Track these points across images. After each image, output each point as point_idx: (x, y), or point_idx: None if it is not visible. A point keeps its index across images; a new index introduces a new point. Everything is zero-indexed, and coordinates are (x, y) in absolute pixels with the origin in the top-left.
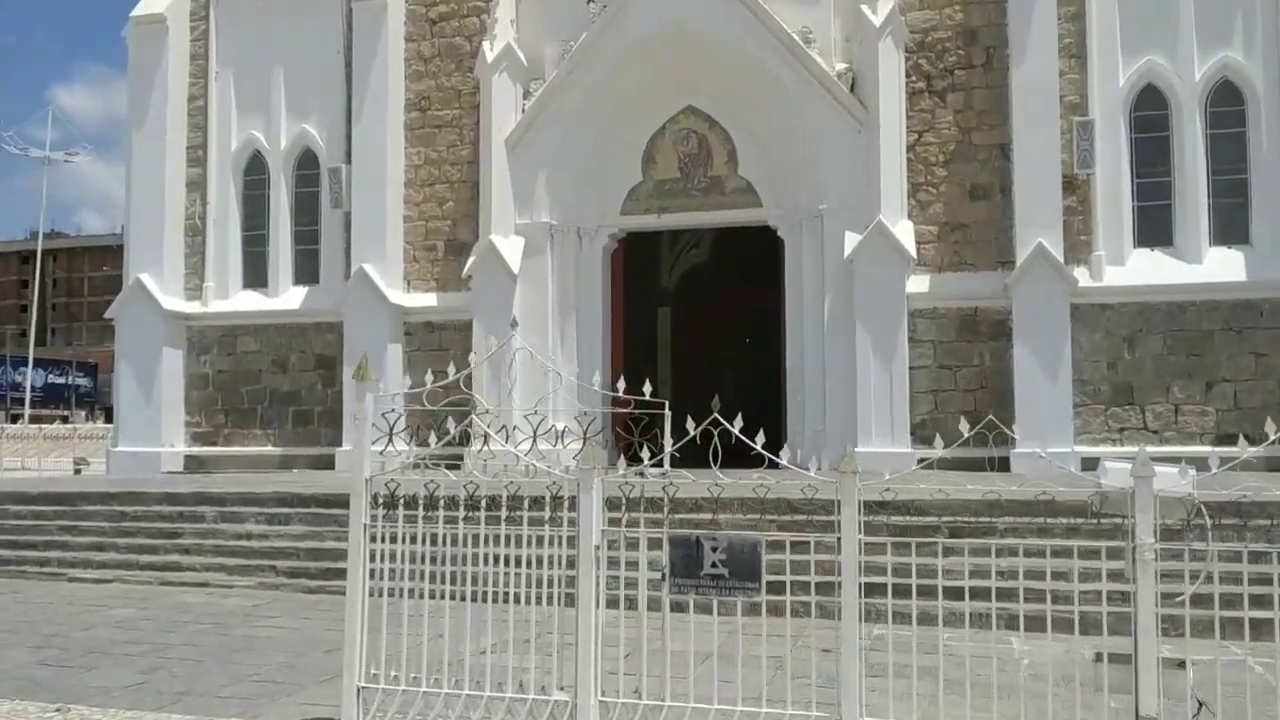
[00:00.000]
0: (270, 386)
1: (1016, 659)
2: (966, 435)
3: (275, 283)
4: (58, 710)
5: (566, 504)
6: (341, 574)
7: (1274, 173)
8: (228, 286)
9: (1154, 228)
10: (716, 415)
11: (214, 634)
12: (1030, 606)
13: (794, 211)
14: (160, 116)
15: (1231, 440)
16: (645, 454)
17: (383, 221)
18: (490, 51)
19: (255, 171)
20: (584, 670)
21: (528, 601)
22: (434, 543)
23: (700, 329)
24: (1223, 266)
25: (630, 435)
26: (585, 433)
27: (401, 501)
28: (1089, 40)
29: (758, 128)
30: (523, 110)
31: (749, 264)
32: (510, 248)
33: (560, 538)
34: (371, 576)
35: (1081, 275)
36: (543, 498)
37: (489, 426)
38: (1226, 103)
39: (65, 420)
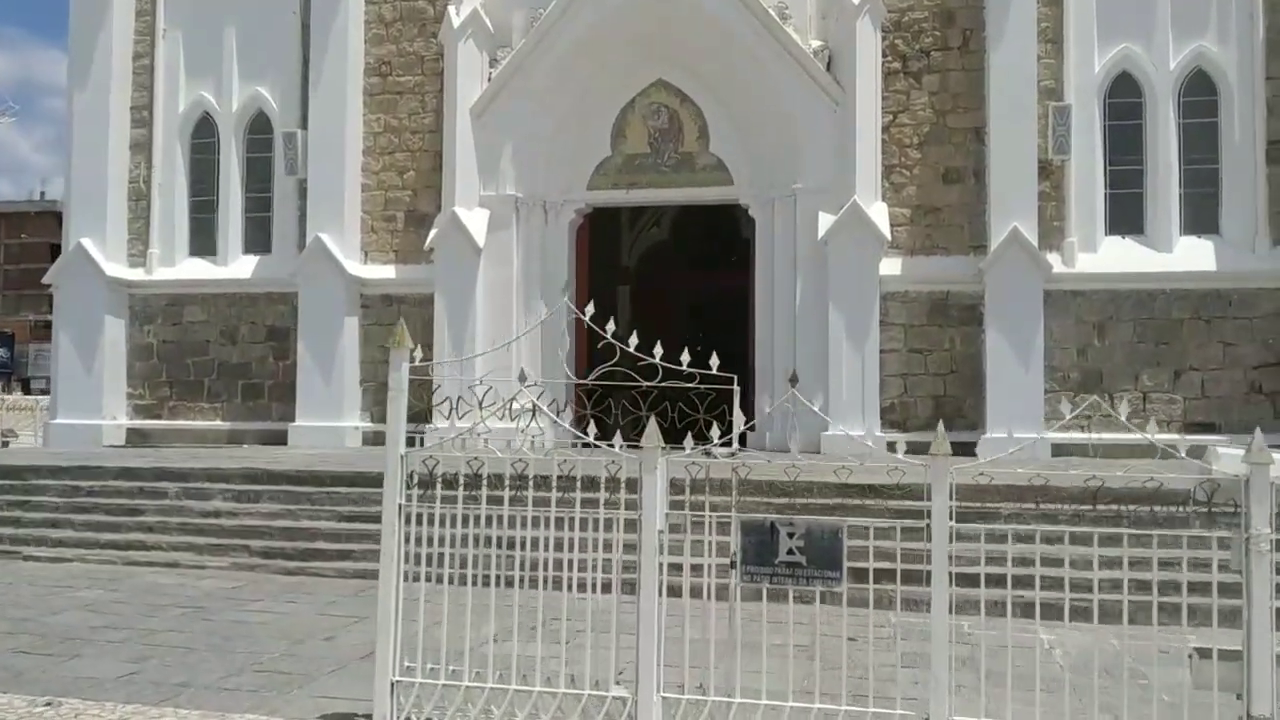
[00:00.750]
0: (218, 358)
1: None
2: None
3: (224, 251)
4: (48, 704)
5: (624, 485)
6: (320, 555)
7: (1244, 164)
8: (173, 254)
9: (1125, 216)
10: (795, 393)
11: (198, 619)
12: (1108, 597)
13: (766, 191)
14: (104, 75)
15: (1199, 429)
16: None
17: (340, 190)
18: (456, 17)
19: (204, 135)
20: (645, 663)
21: (581, 589)
22: (475, 525)
23: (660, 308)
24: (1192, 256)
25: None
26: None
27: (439, 480)
28: (1066, 25)
29: (731, 104)
30: (489, 79)
31: (710, 244)
32: (475, 220)
33: (617, 520)
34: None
35: (1054, 261)
36: (598, 477)
37: (523, 401)
38: (1200, 92)
39: None
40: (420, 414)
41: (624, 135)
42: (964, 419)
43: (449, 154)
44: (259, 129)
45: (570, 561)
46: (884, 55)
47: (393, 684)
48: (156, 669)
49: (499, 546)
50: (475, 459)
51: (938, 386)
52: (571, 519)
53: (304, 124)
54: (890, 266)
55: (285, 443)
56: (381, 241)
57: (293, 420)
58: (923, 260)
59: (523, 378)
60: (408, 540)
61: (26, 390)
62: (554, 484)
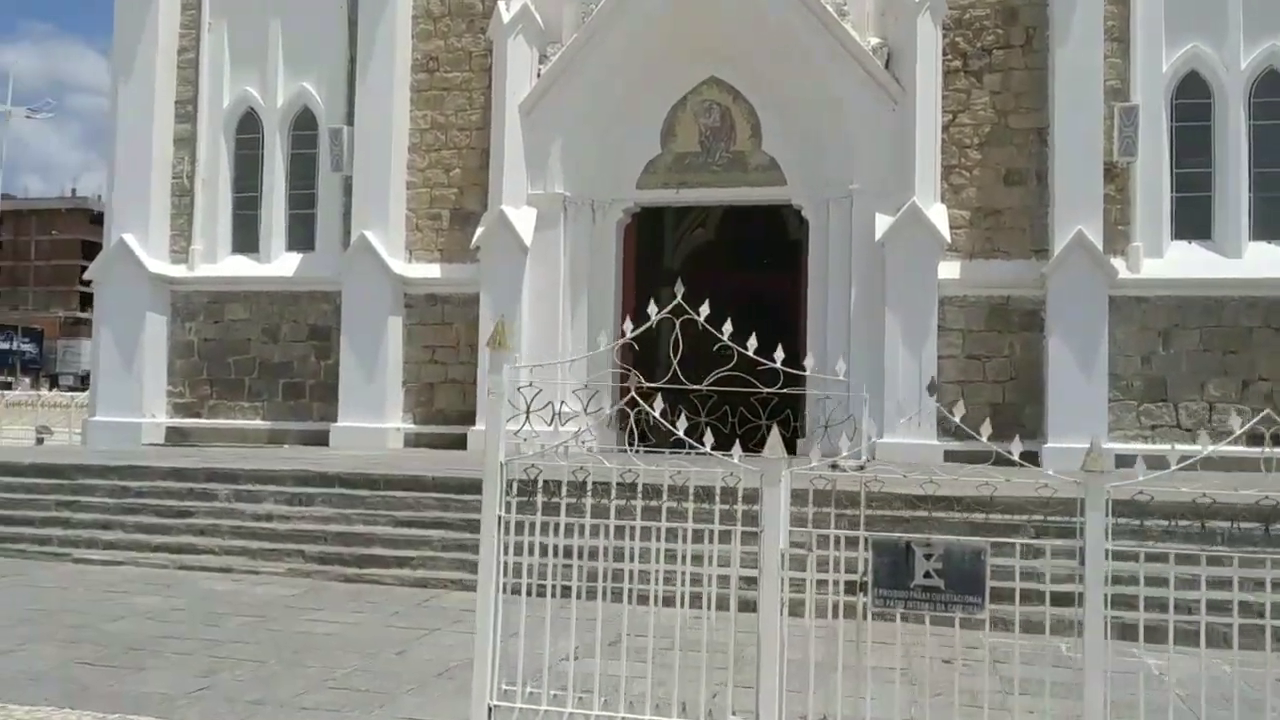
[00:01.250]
0: (259, 357)
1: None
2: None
3: (267, 248)
4: None
5: (740, 497)
6: (378, 561)
7: None
8: (216, 250)
9: (1192, 220)
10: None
11: (262, 629)
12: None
13: (821, 191)
14: (148, 68)
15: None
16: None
17: (386, 187)
18: (506, 12)
19: (248, 130)
20: (766, 692)
21: (694, 605)
22: (578, 536)
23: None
24: (1262, 262)
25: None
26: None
27: (541, 489)
28: (1133, 24)
29: (785, 102)
30: (538, 75)
31: (756, 245)
32: (522, 219)
33: (735, 534)
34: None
35: (1119, 266)
36: (712, 488)
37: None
38: (1272, 93)
39: (8, 387)
40: (466, 415)
41: (674, 133)
42: (1023, 428)
43: (497, 151)
44: (304, 125)
45: (682, 576)
46: (944, 53)
47: (490, 708)
48: (228, 684)
49: (605, 558)
50: (580, 468)
51: (996, 394)
52: (683, 532)
53: (350, 120)
54: (948, 270)
55: (326, 443)
56: (426, 240)
57: (334, 420)
58: (982, 264)
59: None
60: (505, 551)
61: (54, 386)
62: (665, 494)
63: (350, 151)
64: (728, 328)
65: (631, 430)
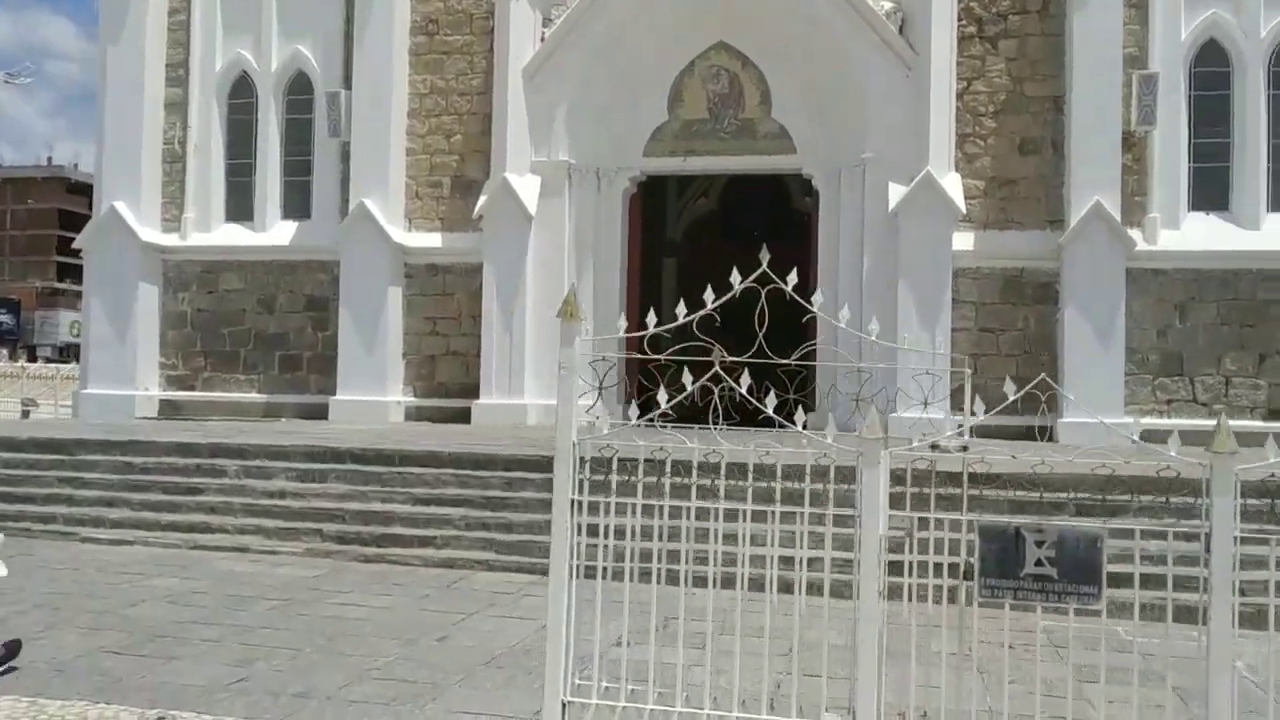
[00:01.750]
0: (255, 328)
1: None
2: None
3: (262, 216)
4: (160, 718)
5: (832, 478)
6: (399, 541)
7: None
8: (209, 219)
9: (1210, 191)
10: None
11: (291, 613)
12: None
13: (832, 160)
14: (138, 31)
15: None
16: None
17: (385, 154)
18: None
19: (242, 95)
20: (865, 687)
21: (783, 591)
22: (657, 517)
23: (707, 282)
24: None
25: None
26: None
27: (615, 468)
28: None
29: (795, 68)
30: (542, 38)
31: (761, 217)
32: (526, 187)
33: (825, 517)
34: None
35: (1135, 238)
36: (801, 467)
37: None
38: None
39: None
40: (468, 388)
41: (681, 100)
42: (1038, 402)
43: (499, 117)
44: (299, 89)
45: (770, 560)
46: (959, 19)
47: (564, 704)
48: (267, 674)
49: (686, 540)
50: (660, 447)
51: (1009, 367)
52: (772, 514)
53: (347, 84)
54: (962, 241)
55: (325, 417)
56: (426, 208)
57: (333, 394)
58: (996, 235)
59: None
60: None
61: (33, 358)
62: (750, 474)
63: (348, 116)
64: (818, 298)
65: (716, 407)
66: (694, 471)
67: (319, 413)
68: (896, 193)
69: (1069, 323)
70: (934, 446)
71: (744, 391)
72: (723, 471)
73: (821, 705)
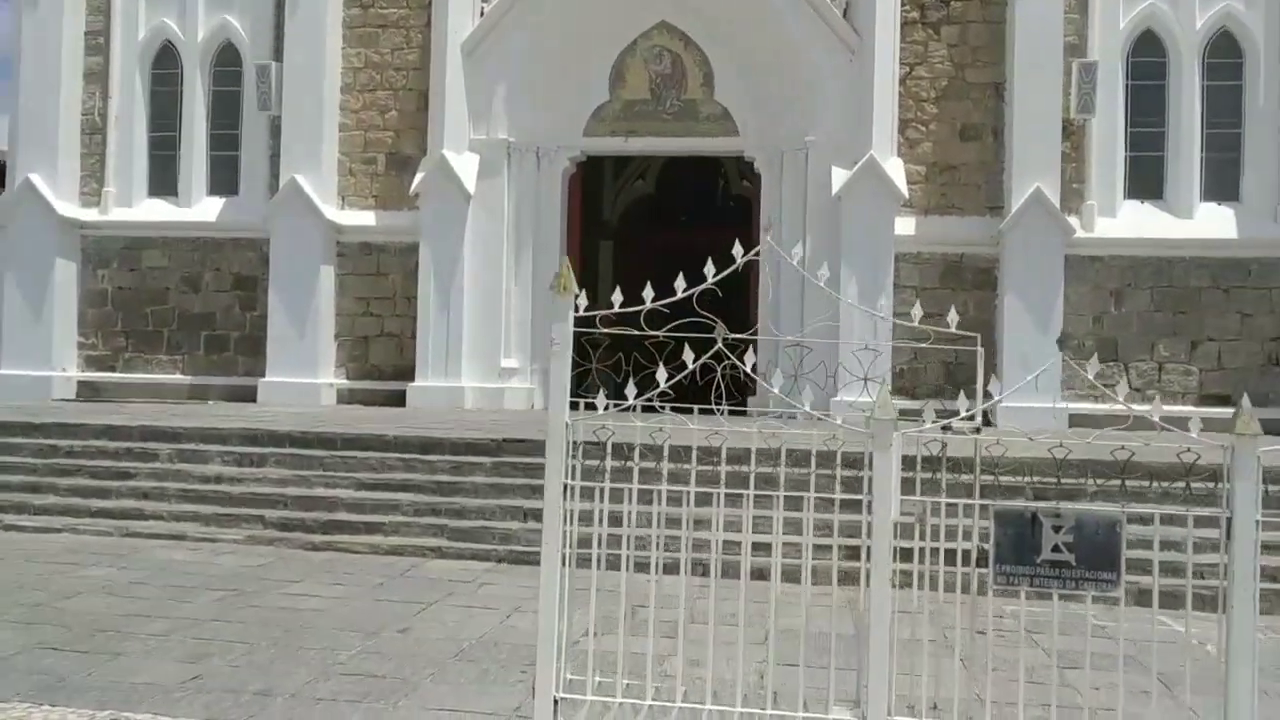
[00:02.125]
0: (179, 307)
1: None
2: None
3: (187, 191)
4: None
5: (838, 462)
6: (346, 528)
7: (1268, 129)
8: (131, 193)
9: (1145, 180)
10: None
11: (240, 605)
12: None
13: (774, 143)
14: None
15: (1214, 401)
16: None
17: (318, 129)
18: None
19: (166, 65)
20: (876, 678)
21: (791, 581)
22: (643, 503)
23: (644, 266)
24: (1213, 223)
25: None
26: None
27: (609, 452)
28: None
29: (738, 50)
30: (481, 13)
31: (698, 198)
32: (465, 165)
33: (833, 503)
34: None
35: (1073, 225)
36: (807, 453)
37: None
38: (1225, 54)
39: None
40: (402, 370)
41: (623, 79)
42: (975, 386)
43: (437, 93)
44: (227, 61)
45: (772, 548)
46: (902, 4)
47: (556, 700)
48: (223, 671)
49: (686, 528)
50: (659, 429)
51: (949, 352)
52: (778, 500)
53: (277, 57)
54: (903, 226)
55: (254, 399)
56: (360, 185)
57: (262, 375)
58: (937, 220)
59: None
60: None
61: None
62: (753, 459)
63: (279, 90)
64: (823, 273)
65: (719, 388)
66: (693, 455)
67: (247, 395)
68: (839, 177)
69: (1008, 308)
70: (945, 429)
71: (749, 370)
72: (723, 456)
73: (829, 698)
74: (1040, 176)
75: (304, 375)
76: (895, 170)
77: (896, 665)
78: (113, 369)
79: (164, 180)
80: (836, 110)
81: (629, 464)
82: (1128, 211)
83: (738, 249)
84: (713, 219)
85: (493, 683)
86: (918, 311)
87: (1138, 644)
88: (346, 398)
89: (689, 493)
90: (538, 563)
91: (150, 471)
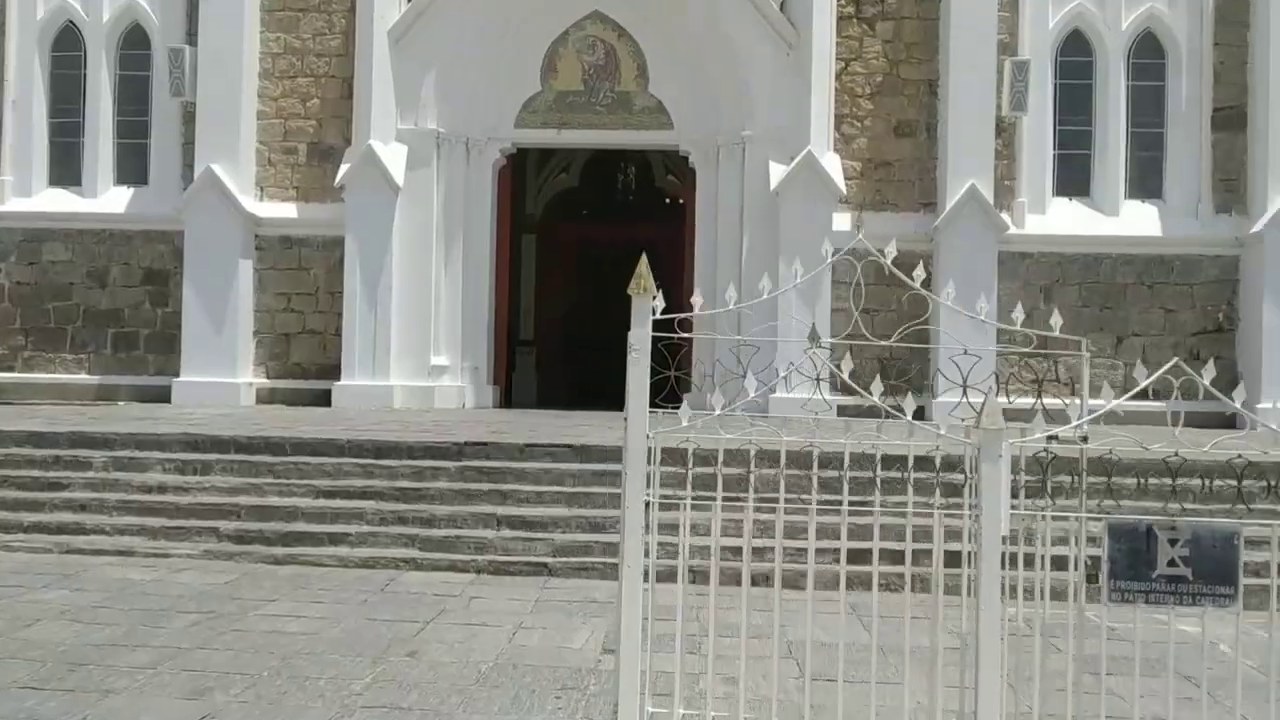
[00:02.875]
0: (84, 303)
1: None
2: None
3: (92, 181)
4: None
5: (937, 470)
6: (309, 539)
7: (1190, 129)
8: (30, 182)
9: (1073, 177)
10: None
11: (222, 629)
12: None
13: (710, 137)
14: None
15: (1139, 395)
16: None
17: (235, 116)
18: None
19: (68, 47)
20: (987, 697)
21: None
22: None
23: (568, 260)
24: (1138, 221)
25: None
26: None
27: (692, 462)
28: None
29: (673, 42)
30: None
31: (623, 193)
32: (392, 156)
33: (936, 517)
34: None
35: (1006, 221)
36: (904, 459)
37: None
38: (1149, 55)
39: None
40: (326, 369)
41: (555, 70)
42: (910, 383)
43: (363, 81)
44: (135, 43)
45: (874, 554)
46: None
47: None
48: (233, 709)
49: (775, 538)
50: (749, 440)
51: (884, 349)
52: (877, 510)
53: (190, 40)
54: (839, 222)
55: (168, 400)
56: (280, 176)
57: (176, 375)
58: (872, 216)
59: (815, 336)
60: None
61: None
62: (846, 465)
63: (193, 75)
64: (919, 273)
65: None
66: (782, 461)
67: (160, 395)
68: (777, 172)
69: (942, 304)
70: (1052, 438)
71: (845, 376)
72: (814, 463)
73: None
74: (975, 174)
75: (221, 374)
76: (833, 166)
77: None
78: (11, 368)
79: (67, 169)
80: (773, 105)
81: (685, 472)
82: (1057, 209)
83: (827, 246)
84: (636, 214)
85: (529, 711)
86: (1019, 315)
87: (1152, 646)
88: (267, 397)
89: (780, 503)
90: (520, 574)
91: (85, 482)
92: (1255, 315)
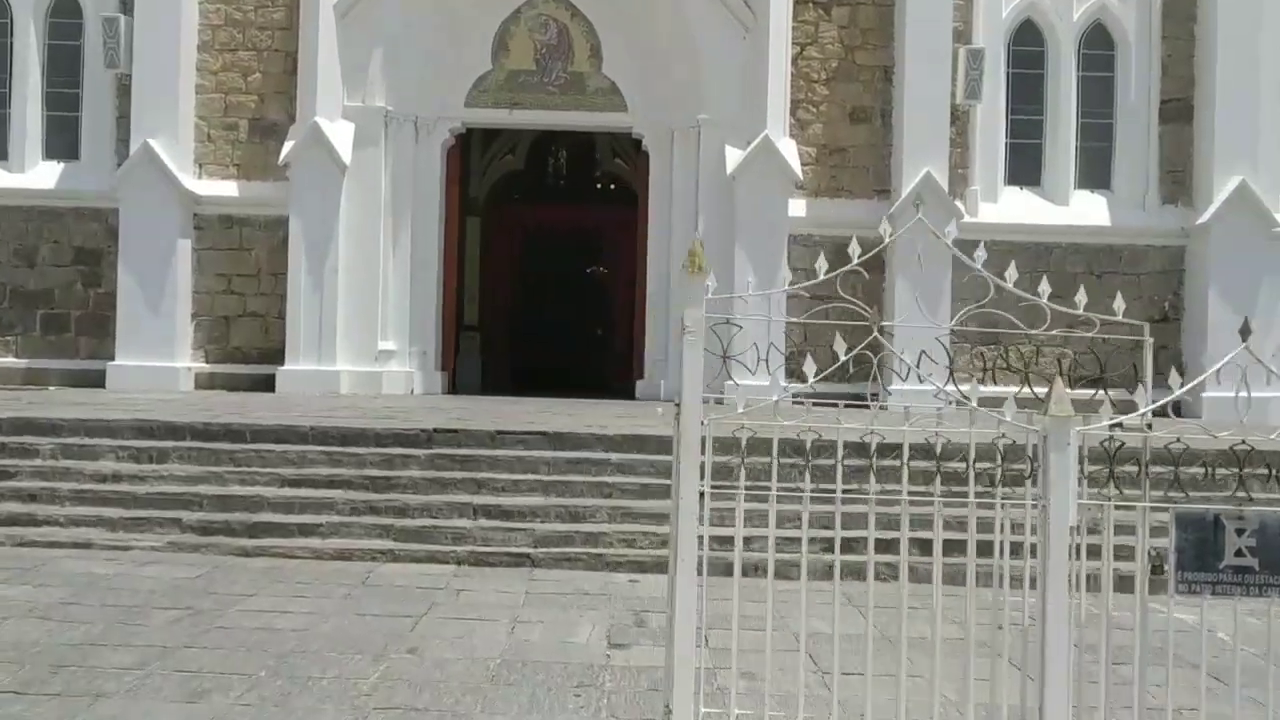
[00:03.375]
0: (11, 284)
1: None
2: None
3: (19, 155)
4: None
5: (999, 459)
6: (277, 530)
7: (1138, 121)
8: None
9: (1024, 166)
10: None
11: (207, 626)
12: None
13: (664, 120)
14: None
15: (1087, 384)
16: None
17: (173, 90)
18: None
19: None
20: (1054, 693)
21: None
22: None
23: (514, 244)
24: (1087, 210)
25: None
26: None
27: (743, 453)
28: None
29: (627, 23)
30: None
31: (569, 176)
32: (339, 134)
33: (998, 505)
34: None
35: (959, 209)
36: (963, 449)
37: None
38: (1099, 46)
39: None
40: (268, 354)
41: (506, 49)
42: (864, 371)
43: (308, 56)
44: (65, 12)
45: (936, 545)
46: None
47: None
48: (239, 714)
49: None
50: (808, 429)
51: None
52: (938, 502)
53: (124, 9)
54: (794, 208)
55: (101, 384)
56: (220, 153)
57: (110, 358)
58: (827, 203)
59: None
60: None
61: None
62: (906, 456)
63: (128, 46)
64: (979, 254)
65: (877, 379)
66: (839, 450)
67: (92, 380)
68: (733, 156)
69: (898, 292)
70: (1116, 425)
71: (905, 359)
72: (873, 451)
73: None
74: (930, 161)
75: (159, 358)
76: (789, 151)
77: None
78: None
79: None
80: (730, 89)
81: (737, 462)
82: (1008, 197)
83: (885, 226)
84: (582, 198)
85: (551, 711)
86: (1082, 298)
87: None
88: (206, 383)
89: (838, 493)
90: (503, 564)
91: (33, 470)
92: (1200, 306)
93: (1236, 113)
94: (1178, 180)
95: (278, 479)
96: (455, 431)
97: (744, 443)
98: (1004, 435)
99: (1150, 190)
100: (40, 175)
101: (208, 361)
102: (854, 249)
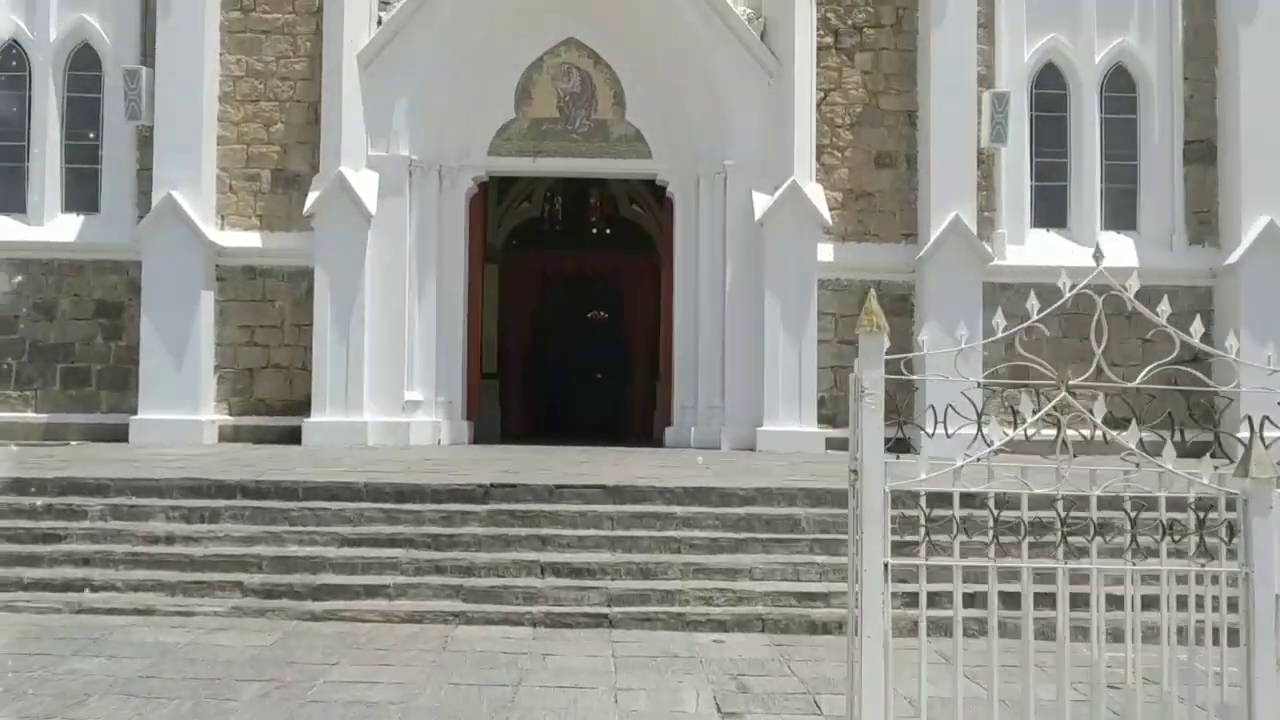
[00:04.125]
0: (30, 337)
1: None
2: None
3: (38, 208)
4: None
5: (1196, 522)
6: (342, 592)
7: (1162, 162)
8: None
9: (1049, 209)
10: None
11: (302, 701)
12: None
13: (690, 166)
14: None
15: (1118, 425)
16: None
17: (196, 141)
18: None
19: (12, 67)
20: None
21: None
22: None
23: (532, 291)
24: (1114, 252)
25: None
26: None
27: (924, 516)
28: (998, 11)
29: (650, 70)
30: (379, 22)
31: (586, 222)
32: (364, 183)
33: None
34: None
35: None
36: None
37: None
38: (1122, 88)
39: None
40: (293, 405)
41: (530, 97)
42: (896, 414)
43: (331, 106)
44: (84, 64)
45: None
46: (815, 29)
47: None
48: None
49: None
50: (998, 492)
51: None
52: (1132, 574)
53: (143, 60)
54: (822, 253)
55: (123, 438)
56: (243, 204)
57: (132, 412)
58: (854, 247)
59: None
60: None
61: None
62: (1092, 508)
63: (150, 97)
64: (1164, 307)
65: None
66: (1024, 509)
67: (114, 434)
68: (761, 202)
69: (929, 336)
70: None
71: (1099, 420)
72: (1060, 512)
73: None
74: (958, 204)
75: (182, 411)
76: (817, 196)
77: None
78: None
79: (11, 195)
80: (755, 135)
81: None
82: (1035, 240)
83: (1064, 279)
84: (600, 245)
85: None
86: (1198, 327)
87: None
88: (230, 435)
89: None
90: (580, 625)
91: (84, 532)
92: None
93: (1262, 153)
94: (1204, 221)
95: (337, 538)
96: (513, 486)
97: (924, 517)
98: (1194, 496)
99: (1177, 231)
100: (60, 228)
101: (231, 414)
102: (1032, 303)
